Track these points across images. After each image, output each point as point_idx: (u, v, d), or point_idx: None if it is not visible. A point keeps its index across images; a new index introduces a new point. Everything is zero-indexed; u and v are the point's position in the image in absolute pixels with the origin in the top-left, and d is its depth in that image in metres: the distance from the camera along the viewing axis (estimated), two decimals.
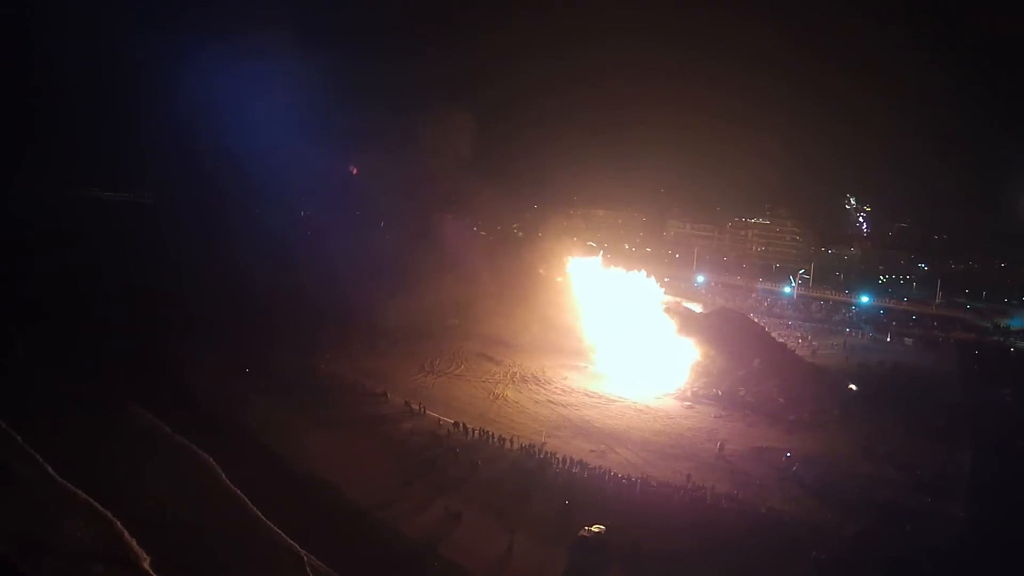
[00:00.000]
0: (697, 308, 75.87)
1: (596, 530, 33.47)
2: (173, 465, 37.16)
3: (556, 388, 57.62)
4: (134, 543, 29.47)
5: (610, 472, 40.59)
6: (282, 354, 58.08)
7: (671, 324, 65.47)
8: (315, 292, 69.03)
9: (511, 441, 44.34)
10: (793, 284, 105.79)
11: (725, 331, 63.82)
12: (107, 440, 39.00)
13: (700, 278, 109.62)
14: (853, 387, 61.94)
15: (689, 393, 57.54)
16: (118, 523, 30.60)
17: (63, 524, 30.61)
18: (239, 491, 34.71)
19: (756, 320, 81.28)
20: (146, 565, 28.41)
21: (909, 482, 42.50)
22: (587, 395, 56.19)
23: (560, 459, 41.77)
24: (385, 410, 49.87)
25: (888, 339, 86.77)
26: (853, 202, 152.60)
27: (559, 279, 76.25)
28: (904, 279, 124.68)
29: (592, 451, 44.16)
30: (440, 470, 40.09)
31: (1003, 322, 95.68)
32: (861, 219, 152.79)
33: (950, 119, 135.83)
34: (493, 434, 45.28)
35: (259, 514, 32.78)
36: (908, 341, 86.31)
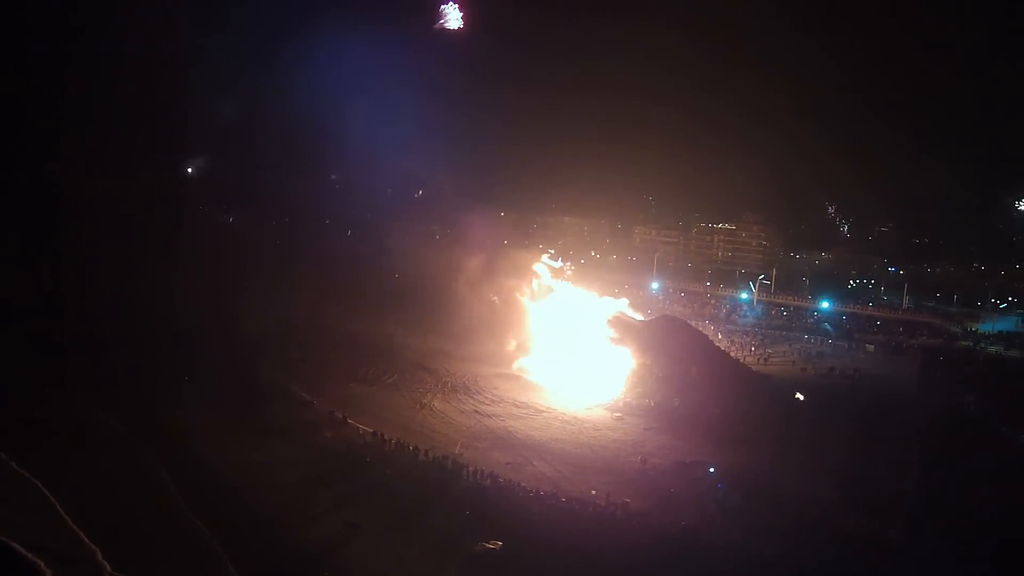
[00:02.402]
0: (639, 316, 74.77)
1: (492, 546, 32.54)
2: (131, 466, 37.89)
3: (485, 398, 56.54)
4: (83, 535, 30.20)
5: (519, 485, 39.48)
6: (221, 362, 56.81)
7: (611, 333, 64.55)
8: (259, 299, 67.96)
9: (426, 452, 43.37)
10: (752, 290, 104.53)
11: (664, 339, 62.31)
12: (70, 441, 39.77)
13: (655, 285, 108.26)
14: (800, 396, 59.94)
15: (621, 404, 56.33)
16: (70, 520, 31.41)
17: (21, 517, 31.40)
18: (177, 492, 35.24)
19: (708, 327, 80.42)
20: (99, 558, 29.35)
21: (848, 501, 40.34)
22: (515, 405, 55.17)
23: (470, 471, 40.71)
24: (310, 418, 48.78)
25: (848, 345, 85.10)
26: (832, 205, 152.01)
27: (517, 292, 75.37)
28: (872, 283, 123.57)
29: (508, 463, 43.12)
30: (349, 480, 39.15)
31: (974, 326, 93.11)
32: (839, 222, 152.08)
33: (938, 119, 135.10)
34: (409, 444, 44.27)
35: (189, 512, 33.15)
36: (869, 347, 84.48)
